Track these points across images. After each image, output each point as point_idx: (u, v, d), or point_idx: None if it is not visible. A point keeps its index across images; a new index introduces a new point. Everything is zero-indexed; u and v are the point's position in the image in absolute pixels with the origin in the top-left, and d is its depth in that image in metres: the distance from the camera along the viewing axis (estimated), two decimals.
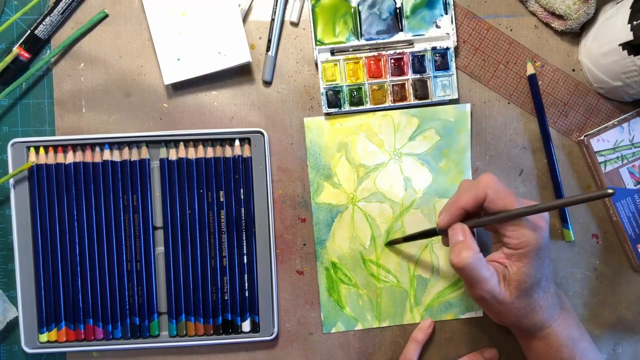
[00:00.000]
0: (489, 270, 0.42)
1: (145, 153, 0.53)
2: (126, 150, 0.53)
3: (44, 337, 0.52)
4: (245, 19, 0.54)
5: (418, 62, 0.53)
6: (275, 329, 0.53)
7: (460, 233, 0.43)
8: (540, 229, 0.42)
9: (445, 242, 0.46)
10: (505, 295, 0.43)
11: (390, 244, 0.54)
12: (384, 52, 0.53)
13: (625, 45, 0.47)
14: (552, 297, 0.45)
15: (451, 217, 0.44)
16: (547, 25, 0.55)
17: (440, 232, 0.46)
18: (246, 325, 0.53)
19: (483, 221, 0.43)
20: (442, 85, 0.54)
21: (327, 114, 0.54)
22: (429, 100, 0.54)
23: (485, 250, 0.44)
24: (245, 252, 0.53)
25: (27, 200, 0.52)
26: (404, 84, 0.54)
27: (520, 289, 0.43)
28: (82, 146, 0.53)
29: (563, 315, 0.46)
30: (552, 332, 0.46)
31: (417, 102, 0.54)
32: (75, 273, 0.52)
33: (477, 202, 0.43)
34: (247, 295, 0.53)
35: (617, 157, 0.54)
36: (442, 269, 0.55)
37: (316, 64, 0.54)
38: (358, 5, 0.53)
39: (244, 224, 0.53)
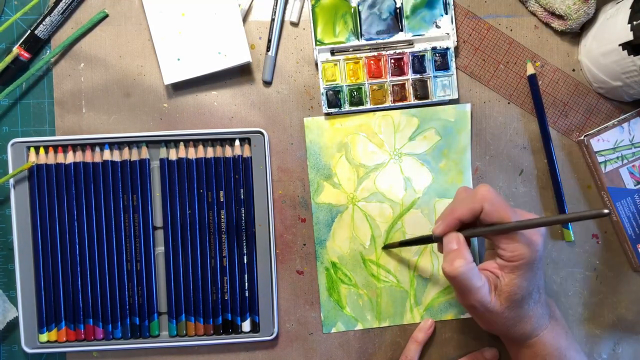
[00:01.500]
0: (480, 279, 0.42)
1: (145, 153, 0.53)
2: (126, 150, 0.53)
3: (44, 337, 0.52)
4: (245, 19, 0.54)
5: (418, 62, 0.53)
6: (275, 329, 0.53)
7: (455, 242, 0.43)
8: (534, 244, 0.42)
9: (441, 249, 0.46)
10: (495, 305, 0.43)
11: (387, 247, 0.54)
12: (384, 52, 0.53)
13: (625, 45, 0.47)
14: (541, 307, 0.46)
15: (446, 226, 0.44)
16: (547, 25, 0.55)
17: (435, 239, 0.46)
18: (246, 325, 0.53)
19: (478, 232, 0.43)
20: (442, 85, 0.54)
21: (327, 114, 0.54)
22: (429, 100, 0.54)
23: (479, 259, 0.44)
24: (245, 252, 0.53)
25: (27, 200, 0.52)
26: (404, 84, 0.54)
27: (511, 300, 0.43)
28: (82, 146, 0.53)
29: (552, 324, 0.47)
30: (540, 341, 0.46)
31: (417, 102, 0.54)
32: (75, 273, 0.52)
33: (473, 214, 0.43)
34: (247, 295, 0.53)
35: (617, 157, 0.54)
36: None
37: (316, 64, 0.54)
38: (358, 5, 0.53)
39: (244, 224, 0.53)
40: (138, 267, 0.53)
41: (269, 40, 0.53)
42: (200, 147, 0.53)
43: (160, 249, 0.53)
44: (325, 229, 0.54)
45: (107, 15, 0.54)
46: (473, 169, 0.55)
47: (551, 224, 0.44)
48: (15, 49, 0.52)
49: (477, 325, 0.55)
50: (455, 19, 0.54)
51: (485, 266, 0.44)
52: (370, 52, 0.53)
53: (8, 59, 0.51)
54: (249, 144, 0.53)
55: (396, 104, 0.54)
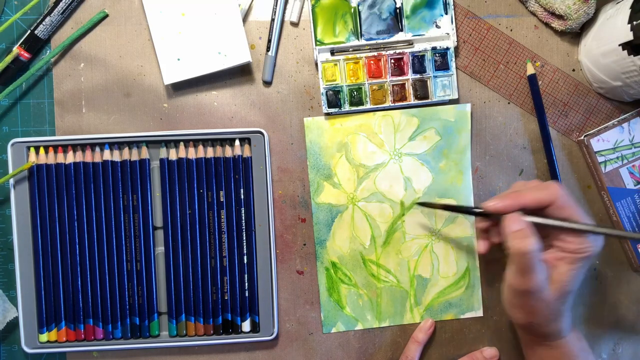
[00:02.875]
0: (542, 264, 0.44)
1: (145, 153, 0.53)
2: (126, 150, 0.53)
3: (44, 337, 0.52)
4: (245, 19, 0.54)
5: (418, 62, 0.53)
6: (275, 329, 0.53)
7: (519, 222, 0.44)
8: (599, 239, 0.44)
9: (482, 226, 0.48)
10: (549, 293, 0.44)
11: (423, 205, 0.53)
12: (384, 52, 0.53)
13: (625, 45, 0.47)
14: (571, 309, 0.47)
15: (507, 206, 0.45)
16: (547, 25, 0.55)
17: (483, 213, 0.47)
18: (246, 325, 0.53)
19: (551, 223, 0.44)
20: (442, 85, 0.54)
21: (327, 114, 0.54)
22: (429, 100, 0.54)
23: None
24: (245, 252, 0.53)
25: (27, 200, 0.52)
26: (404, 84, 0.54)
27: (562, 291, 0.44)
28: (82, 146, 0.53)
29: (574, 329, 0.48)
30: (567, 343, 0.47)
31: (417, 102, 0.54)
32: (75, 273, 0.52)
33: (540, 204, 0.44)
34: (247, 295, 0.53)
35: (617, 157, 0.54)
36: (442, 269, 0.55)
37: (316, 64, 0.54)
38: (358, 5, 0.53)
39: (244, 224, 0.53)
40: (138, 267, 0.53)
41: (269, 40, 0.53)
42: (200, 147, 0.53)
43: (160, 249, 0.53)
44: (325, 229, 0.54)
45: (107, 15, 0.54)
46: (473, 169, 0.55)
47: (626, 238, 0.48)
48: (15, 49, 0.52)
49: (477, 325, 0.55)
50: (455, 19, 0.54)
51: (542, 256, 0.45)
52: (370, 52, 0.53)
53: (8, 59, 0.51)
54: (249, 144, 0.53)
55: (396, 104, 0.54)
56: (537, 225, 0.44)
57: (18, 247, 0.52)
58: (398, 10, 0.53)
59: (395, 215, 0.54)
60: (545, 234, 0.45)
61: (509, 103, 0.55)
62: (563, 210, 0.44)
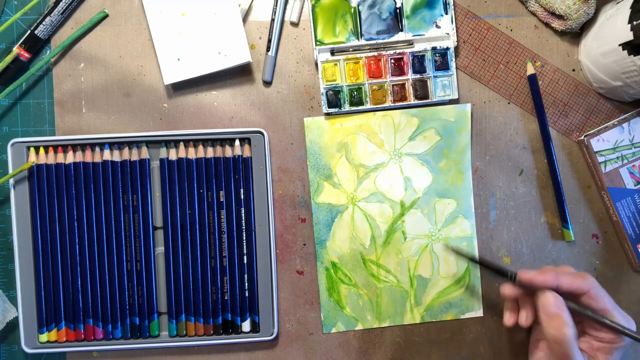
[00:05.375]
0: (580, 354, 0.43)
1: (145, 153, 0.53)
2: (126, 150, 0.53)
3: (44, 337, 0.52)
4: (245, 19, 0.54)
5: (418, 62, 0.53)
6: (275, 329, 0.53)
7: (561, 305, 0.44)
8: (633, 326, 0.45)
9: (511, 294, 0.47)
10: None
11: (454, 251, 0.54)
12: (384, 52, 0.53)
13: (625, 45, 0.47)
14: None
15: (544, 281, 0.45)
16: (547, 25, 0.55)
17: (515, 282, 0.46)
18: (246, 325, 0.53)
19: (586, 313, 0.45)
20: (442, 85, 0.54)
21: (327, 114, 0.54)
22: (429, 100, 0.54)
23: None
24: (245, 252, 0.53)
25: (27, 200, 0.52)
26: (404, 84, 0.54)
27: None
28: (82, 146, 0.53)
29: None
30: None
31: (417, 102, 0.54)
32: (75, 273, 0.52)
33: (576, 291, 0.44)
34: (247, 295, 0.53)
35: (617, 157, 0.54)
36: (442, 269, 0.55)
37: (316, 64, 0.54)
38: (358, 5, 0.53)
39: (244, 224, 0.53)
40: (138, 267, 0.53)
41: (269, 40, 0.53)
42: (200, 147, 0.53)
43: (160, 249, 0.53)
44: (325, 229, 0.54)
45: (107, 15, 0.54)
46: (473, 169, 0.55)
47: None
48: (15, 49, 0.52)
49: (477, 325, 0.55)
50: (455, 19, 0.54)
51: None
52: (370, 52, 0.53)
53: (8, 59, 0.51)
54: (249, 144, 0.53)
55: (396, 104, 0.54)
56: (571, 310, 0.44)
57: (18, 247, 0.52)
58: (398, 10, 0.53)
59: (395, 215, 0.54)
60: (578, 320, 0.46)
61: (509, 103, 0.55)
62: (596, 301, 0.44)
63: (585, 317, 0.45)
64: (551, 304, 0.44)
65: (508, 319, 0.49)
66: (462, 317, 0.55)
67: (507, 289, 0.48)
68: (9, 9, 0.54)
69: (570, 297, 0.45)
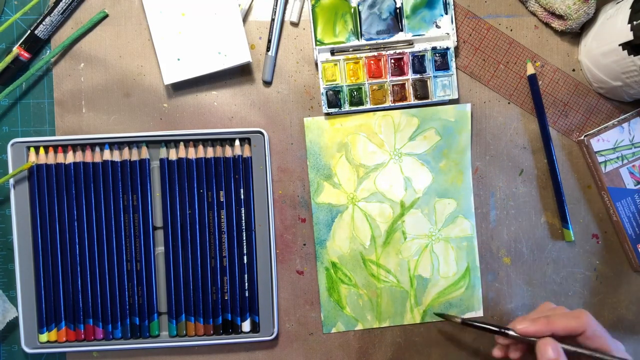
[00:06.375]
0: None
1: (145, 153, 0.53)
2: (126, 150, 0.53)
3: (44, 337, 0.52)
4: (245, 19, 0.54)
5: (418, 62, 0.53)
6: (275, 329, 0.53)
7: (556, 350, 0.43)
8: None
9: (504, 342, 0.47)
10: None
11: (442, 317, 0.53)
12: (384, 52, 0.53)
13: (625, 45, 0.47)
14: None
15: (538, 331, 0.45)
16: (547, 25, 0.55)
17: (512, 336, 0.46)
18: (246, 325, 0.53)
19: (587, 353, 0.44)
20: (442, 85, 0.54)
21: (327, 114, 0.54)
22: (429, 100, 0.54)
23: None
24: (245, 252, 0.53)
25: (27, 200, 0.52)
26: (404, 84, 0.54)
27: None
28: (82, 146, 0.53)
29: None
30: None
31: (417, 102, 0.54)
32: (75, 273, 0.52)
33: (571, 332, 0.44)
34: (247, 295, 0.53)
35: (617, 157, 0.54)
36: (442, 269, 0.55)
37: (316, 64, 0.54)
38: (358, 5, 0.53)
39: (244, 224, 0.53)
40: (138, 267, 0.53)
41: (269, 40, 0.53)
42: (200, 147, 0.53)
43: (160, 249, 0.53)
44: (325, 229, 0.54)
45: (107, 15, 0.54)
46: (473, 169, 0.55)
47: None
48: (15, 49, 0.52)
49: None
50: (455, 19, 0.54)
51: None
52: (370, 52, 0.53)
53: (8, 59, 0.51)
54: (249, 144, 0.53)
55: (396, 104, 0.54)
56: (567, 352, 0.44)
57: (18, 247, 0.52)
58: (398, 10, 0.53)
59: (395, 215, 0.54)
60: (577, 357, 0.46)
61: (509, 103, 0.55)
62: (593, 340, 0.44)
63: (584, 357, 0.45)
64: (548, 349, 0.44)
65: (497, 353, 0.49)
66: (462, 317, 0.55)
67: (499, 338, 0.48)
68: (9, 9, 0.54)
69: (567, 338, 0.45)
